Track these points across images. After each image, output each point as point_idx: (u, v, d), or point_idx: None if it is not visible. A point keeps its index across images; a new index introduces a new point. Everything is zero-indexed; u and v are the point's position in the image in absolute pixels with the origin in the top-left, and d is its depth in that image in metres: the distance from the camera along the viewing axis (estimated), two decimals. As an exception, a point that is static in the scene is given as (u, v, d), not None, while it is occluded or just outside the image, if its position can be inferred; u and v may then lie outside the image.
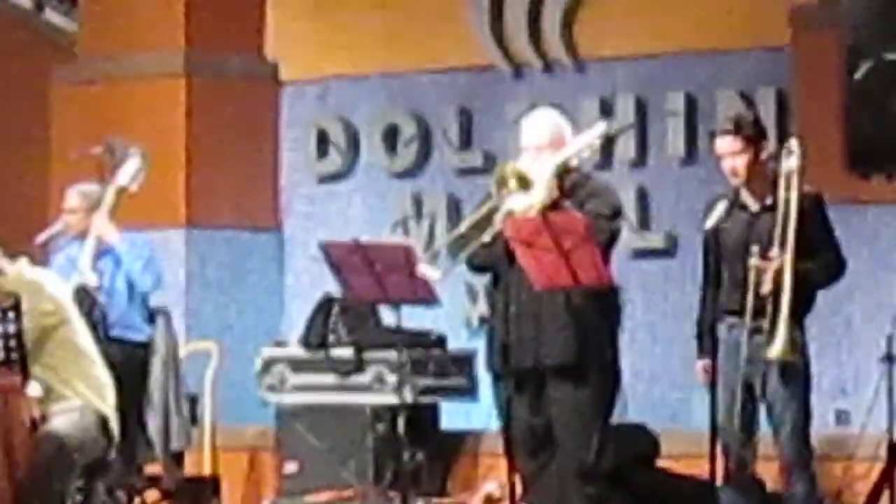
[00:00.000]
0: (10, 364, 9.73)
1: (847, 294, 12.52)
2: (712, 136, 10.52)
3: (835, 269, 10.19)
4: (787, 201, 9.88)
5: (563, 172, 10.76)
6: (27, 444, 9.89)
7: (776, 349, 9.75)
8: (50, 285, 10.43)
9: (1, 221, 10.41)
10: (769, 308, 9.85)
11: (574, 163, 10.90)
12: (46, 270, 11.44)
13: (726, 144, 10.40)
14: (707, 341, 10.41)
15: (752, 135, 10.35)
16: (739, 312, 10.02)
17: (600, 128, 11.09)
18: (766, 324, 9.88)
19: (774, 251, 9.86)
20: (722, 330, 10.29)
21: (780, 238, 9.84)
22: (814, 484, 10.31)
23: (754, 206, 10.25)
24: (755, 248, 9.94)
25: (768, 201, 10.13)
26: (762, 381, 10.09)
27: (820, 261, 10.10)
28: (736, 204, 10.35)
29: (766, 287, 9.85)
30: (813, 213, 10.07)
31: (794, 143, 9.81)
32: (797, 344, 9.86)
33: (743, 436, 10.24)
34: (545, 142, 10.82)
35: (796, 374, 10.04)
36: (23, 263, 10.70)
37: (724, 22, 14.00)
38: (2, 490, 9.85)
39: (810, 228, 10.00)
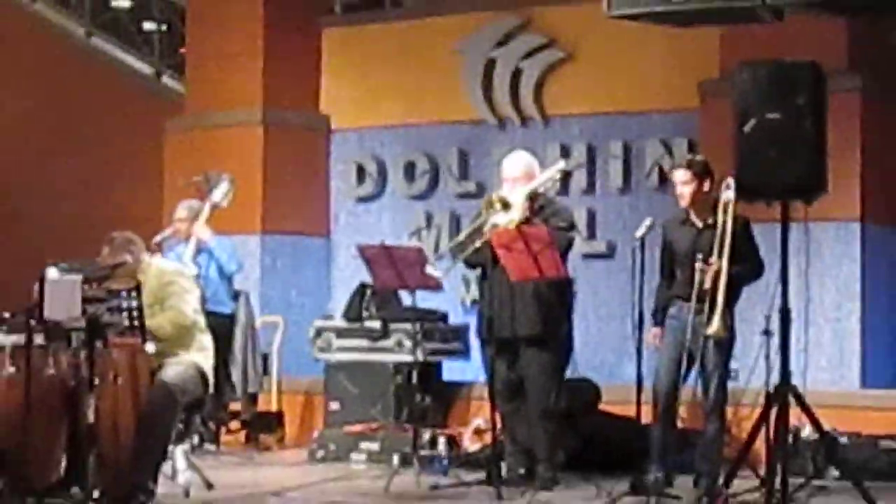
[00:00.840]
0: (134, 330, 9.66)
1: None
2: (661, 170, 10.51)
3: (757, 271, 10.21)
4: (724, 223, 9.89)
5: (532, 197, 10.94)
6: (147, 387, 9.84)
7: (713, 328, 9.77)
8: (175, 274, 10.44)
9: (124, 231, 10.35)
10: (709, 299, 9.83)
11: (541, 190, 11.05)
12: (175, 263, 11.46)
13: (679, 176, 10.46)
14: (660, 317, 10.45)
15: (699, 171, 10.37)
16: (687, 299, 10.00)
17: (559, 166, 11.53)
18: (706, 309, 9.86)
19: (714, 258, 9.88)
20: (673, 310, 10.38)
21: (719, 249, 9.86)
22: (724, 422, 10.27)
23: (699, 223, 10.29)
24: (700, 256, 9.96)
25: (709, 221, 10.14)
26: (701, 349, 10.07)
27: (747, 265, 10.12)
28: (686, 222, 10.42)
29: (707, 283, 9.88)
30: (742, 232, 10.11)
31: (730, 180, 9.79)
32: (727, 324, 9.85)
33: (672, 388, 10.20)
34: (519, 175, 11.00)
35: (725, 345, 10.04)
36: (158, 258, 10.77)
37: (651, 91, 13.93)
38: (128, 420, 9.75)
39: (740, 243, 10.02)
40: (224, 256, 13.20)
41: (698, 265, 10.00)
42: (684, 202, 10.45)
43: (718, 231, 9.97)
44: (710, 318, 9.86)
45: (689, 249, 10.25)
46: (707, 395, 10.28)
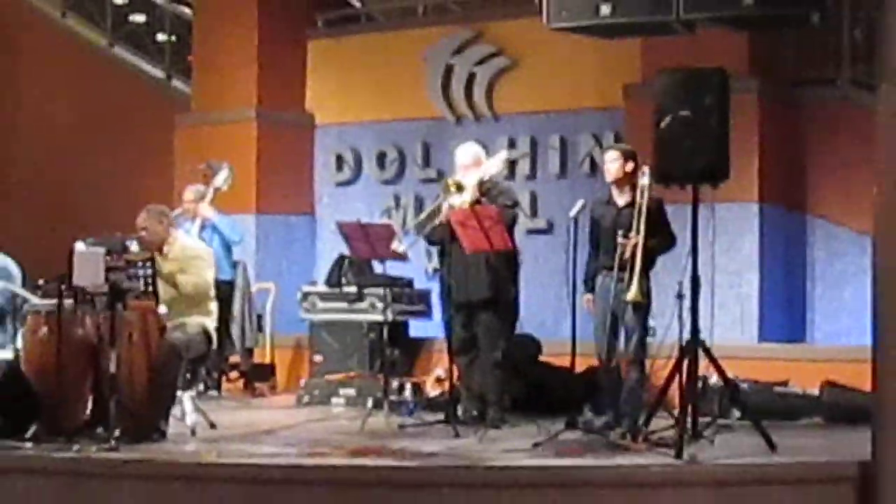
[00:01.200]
0: (149, 294, 9.66)
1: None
2: (592, 159, 10.51)
3: (669, 244, 10.15)
4: (641, 203, 9.86)
5: (482, 182, 10.82)
6: (158, 343, 9.83)
7: (632, 294, 9.73)
8: (200, 250, 10.50)
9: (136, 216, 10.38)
10: (628, 268, 9.80)
11: (488, 176, 10.94)
12: (194, 239, 11.44)
13: (609, 155, 10.40)
14: (590, 284, 10.37)
15: (625, 153, 10.31)
16: (611, 269, 9.97)
17: (503, 155, 11.52)
18: (626, 277, 9.84)
19: (633, 234, 9.84)
20: (599, 279, 10.25)
21: (637, 225, 9.81)
22: (643, 372, 10.26)
23: (620, 202, 10.22)
24: (621, 231, 9.92)
25: (629, 201, 10.08)
26: (622, 311, 10.04)
27: (661, 239, 10.06)
28: (609, 202, 10.32)
29: (627, 255, 9.82)
30: (657, 210, 10.05)
31: (646, 168, 9.79)
32: (644, 290, 9.83)
33: (608, 345, 10.17)
34: (470, 163, 11.02)
35: (642, 308, 9.99)
36: (181, 233, 10.83)
37: (583, 92, 13.92)
38: (142, 371, 9.75)
39: (655, 219, 9.97)
40: (227, 230, 13.19)
41: (619, 240, 9.99)
42: (610, 177, 10.35)
43: (636, 210, 9.95)
44: (629, 285, 9.84)
45: (611, 226, 10.18)
46: (628, 349, 10.29)
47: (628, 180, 10.24)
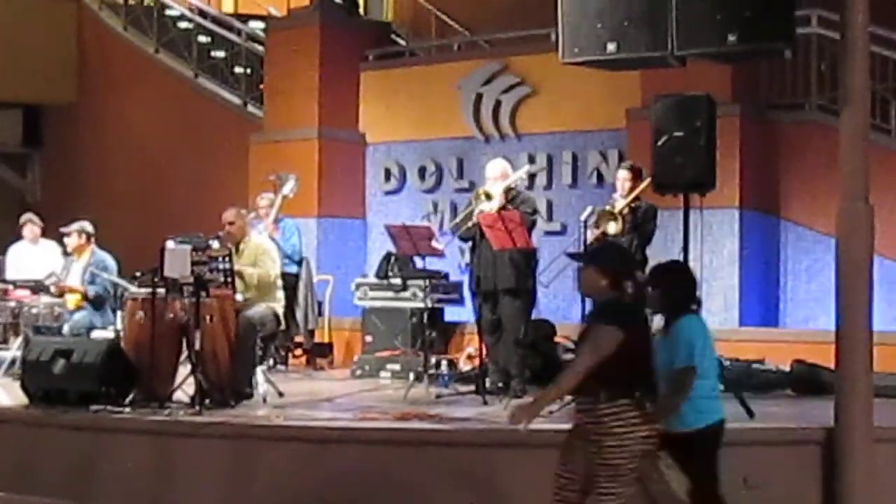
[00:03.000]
0: (227, 284, 9.69)
1: (651, 254, 12.38)
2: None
3: (648, 241, 10.20)
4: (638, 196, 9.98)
5: (507, 191, 10.78)
6: (234, 324, 9.84)
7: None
8: (269, 249, 10.55)
9: (219, 218, 10.42)
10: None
11: (513, 186, 10.92)
12: (264, 238, 11.43)
13: (623, 173, 10.37)
14: None
15: (637, 173, 10.31)
16: None
17: (526, 168, 11.40)
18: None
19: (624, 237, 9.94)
20: None
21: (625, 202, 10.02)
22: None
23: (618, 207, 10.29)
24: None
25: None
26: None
27: (644, 239, 10.10)
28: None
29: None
30: (646, 211, 10.07)
31: (645, 182, 9.86)
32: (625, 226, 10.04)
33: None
34: (498, 175, 10.92)
35: None
36: (255, 233, 10.84)
37: (592, 115, 13.87)
38: (222, 348, 9.79)
39: (644, 217, 10.03)
40: (286, 246, 13.01)
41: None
42: (623, 192, 10.37)
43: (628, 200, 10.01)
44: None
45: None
46: None
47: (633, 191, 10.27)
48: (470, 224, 10.77)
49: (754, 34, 8.55)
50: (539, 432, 8.67)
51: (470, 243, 11.13)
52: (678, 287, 6.85)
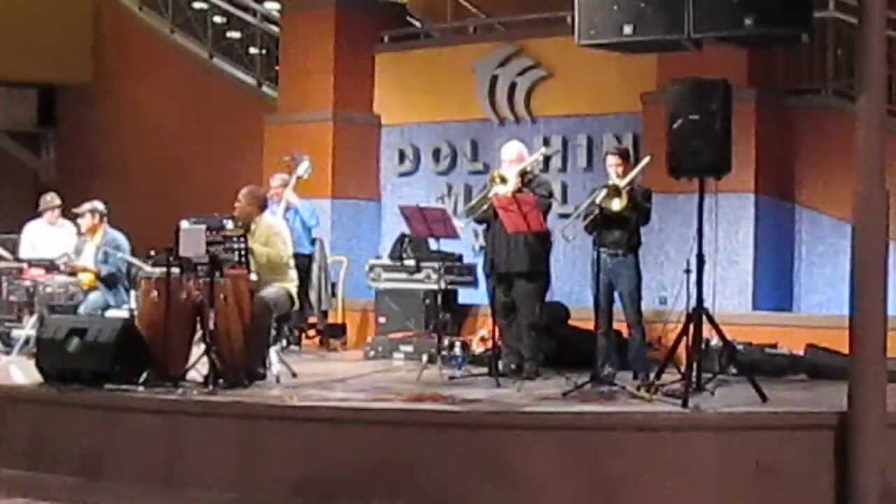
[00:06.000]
0: (242, 264, 9.71)
1: (666, 238, 12.56)
2: (605, 156, 10.58)
3: (647, 220, 10.20)
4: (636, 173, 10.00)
5: (523, 174, 10.77)
6: (249, 304, 9.87)
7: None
8: (280, 228, 10.51)
9: (233, 199, 10.44)
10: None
11: (528, 169, 10.91)
12: (277, 219, 11.46)
13: (612, 158, 10.35)
14: None
15: (624, 155, 10.31)
16: (607, 246, 10.07)
17: (542, 151, 11.34)
18: (620, 251, 9.93)
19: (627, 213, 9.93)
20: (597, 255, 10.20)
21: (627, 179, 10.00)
22: (643, 333, 10.24)
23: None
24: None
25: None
26: (618, 281, 10.07)
27: (643, 217, 10.10)
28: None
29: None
30: (644, 193, 10.08)
31: (645, 160, 9.85)
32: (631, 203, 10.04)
33: (608, 308, 10.18)
34: (513, 158, 10.96)
35: (633, 280, 10.03)
36: (267, 213, 10.76)
37: (607, 99, 13.82)
38: (236, 327, 9.81)
39: (640, 198, 10.03)
40: (306, 215, 13.21)
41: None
42: (616, 177, 10.36)
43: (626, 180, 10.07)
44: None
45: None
46: (626, 313, 10.29)
47: (628, 174, 10.29)
48: (485, 206, 10.77)
49: (771, 18, 8.54)
50: (552, 414, 8.73)
51: (484, 225, 11.16)
52: None
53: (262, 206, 10.58)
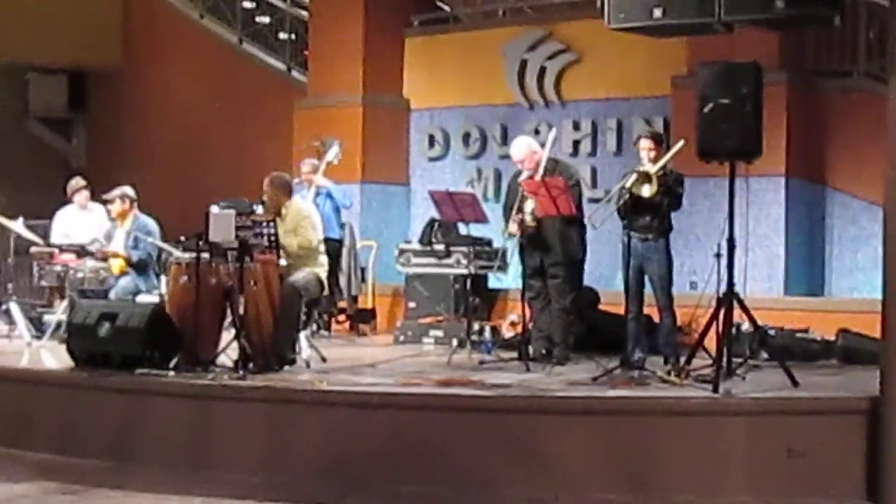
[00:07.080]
0: (271, 249, 9.71)
1: (697, 222, 12.45)
2: (637, 139, 10.53)
3: (678, 206, 10.10)
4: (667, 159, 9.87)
5: (547, 161, 10.63)
6: (278, 289, 9.87)
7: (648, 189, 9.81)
8: (309, 213, 10.50)
9: (261, 184, 10.44)
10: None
11: (550, 156, 10.74)
12: (307, 203, 11.43)
13: (644, 142, 10.24)
14: None
15: (657, 139, 10.23)
16: (637, 230, 9.98)
17: (551, 137, 11.00)
18: (650, 236, 9.84)
19: (657, 198, 9.81)
20: (627, 239, 10.12)
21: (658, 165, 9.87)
22: (674, 318, 10.18)
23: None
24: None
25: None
26: (649, 266, 10.01)
27: (675, 202, 10.01)
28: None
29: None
30: (676, 178, 9.98)
31: (678, 145, 9.76)
32: (660, 187, 9.86)
33: (638, 293, 10.11)
34: (523, 157, 10.81)
35: (664, 265, 9.98)
36: (297, 198, 10.74)
37: (637, 82, 13.80)
38: (266, 312, 9.81)
39: (672, 183, 9.94)
40: (340, 196, 13.22)
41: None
42: (648, 161, 10.25)
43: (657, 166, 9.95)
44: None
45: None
46: (657, 296, 10.24)
47: (659, 159, 10.17)
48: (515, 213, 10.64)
49: (802, 0, 8.47)
50: (581, 399, 8.71)
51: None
52: None
53: (289, 191, 10.53)
